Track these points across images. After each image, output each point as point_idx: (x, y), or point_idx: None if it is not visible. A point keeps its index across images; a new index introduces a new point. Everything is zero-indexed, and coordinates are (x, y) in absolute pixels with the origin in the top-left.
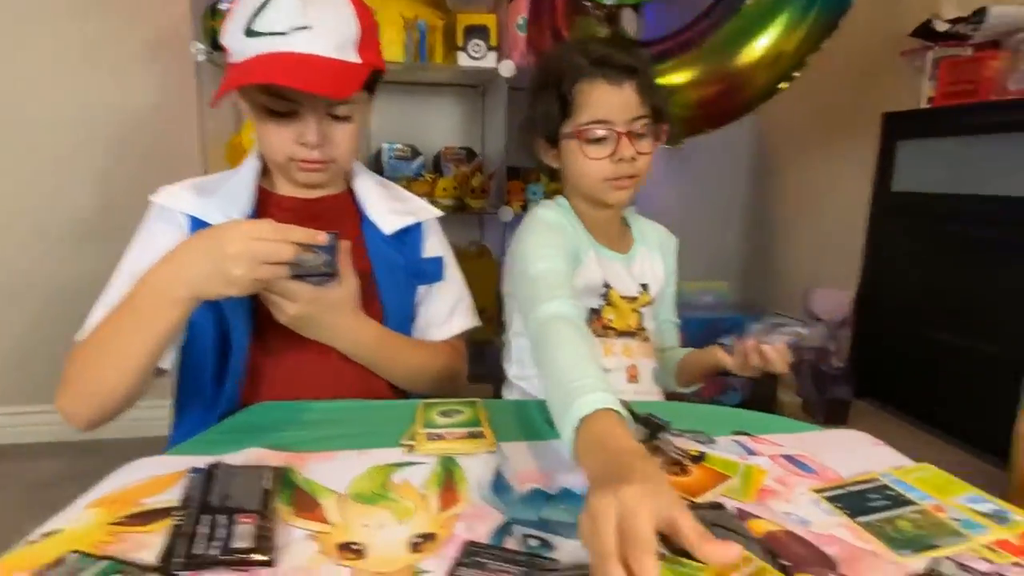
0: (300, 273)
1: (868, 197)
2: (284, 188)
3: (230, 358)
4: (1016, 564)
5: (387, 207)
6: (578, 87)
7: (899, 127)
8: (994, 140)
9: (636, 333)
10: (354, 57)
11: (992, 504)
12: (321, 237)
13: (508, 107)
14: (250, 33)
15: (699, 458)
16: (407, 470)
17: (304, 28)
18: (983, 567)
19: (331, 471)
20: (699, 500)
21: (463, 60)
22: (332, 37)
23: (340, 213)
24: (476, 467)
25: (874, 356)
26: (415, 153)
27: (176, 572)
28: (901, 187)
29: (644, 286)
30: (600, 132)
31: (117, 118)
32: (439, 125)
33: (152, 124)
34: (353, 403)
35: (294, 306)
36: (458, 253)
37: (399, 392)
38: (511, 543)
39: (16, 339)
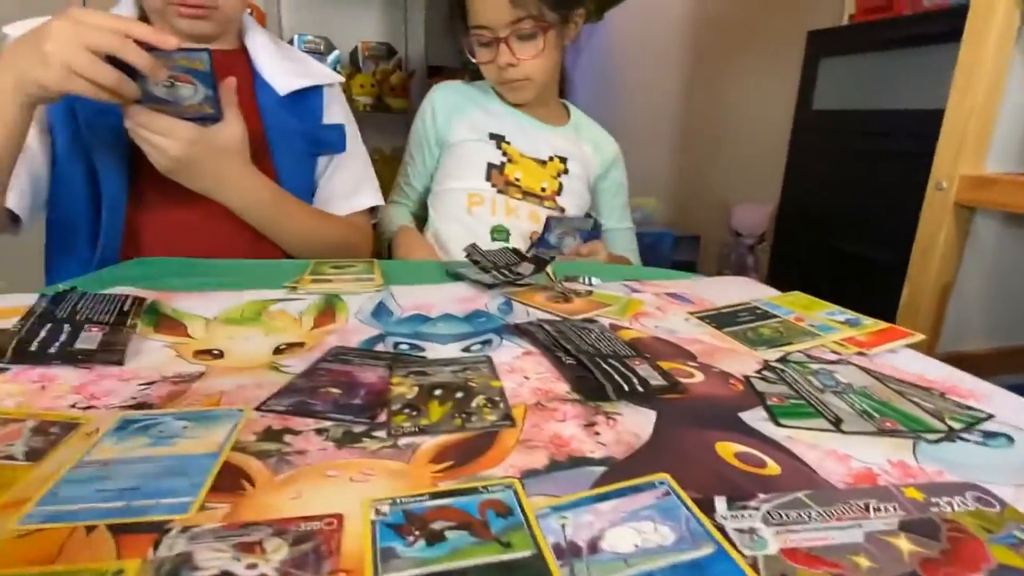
0: (180, 114)
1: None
2: None
3: (103, 215)
4: (860, 353)
5: (283, 67)
6: None
7: (822, 45)
8: (909, 54)
9: (546, 198)
10: None
11: (848, 315)
12: (171, 41)
13: (428, 3)
14: None
15: (586, 294)
16: (285, 303)
17: None
18: (829, 356)
19: (203, 304)
20: (574, 317)
21: None
22: None
23: (229, 71)
24: (359, 300)
25: (790, 269)
26: (329, 47)
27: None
28: (822, 105)
29: (563, 159)
30: (484, 37)
31: None
32: (357, 18)
33: None
34: (241, 261)
35: (175, 146)
36: (376, 156)
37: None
38: (380, 348)
39: None
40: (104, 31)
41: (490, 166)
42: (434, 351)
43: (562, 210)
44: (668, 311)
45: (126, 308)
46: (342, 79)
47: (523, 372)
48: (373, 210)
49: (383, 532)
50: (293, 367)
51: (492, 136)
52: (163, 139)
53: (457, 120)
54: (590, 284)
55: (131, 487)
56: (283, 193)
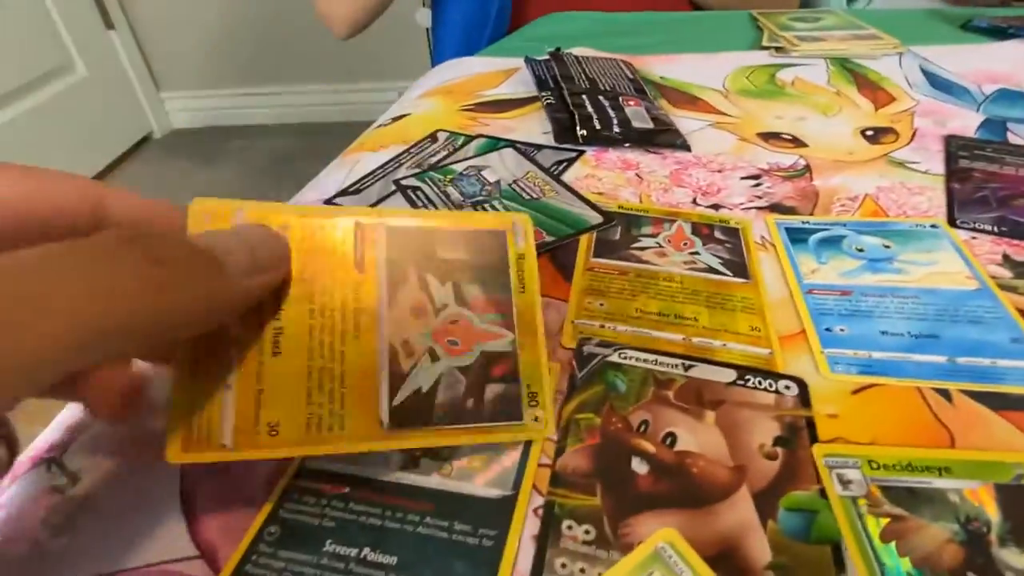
0: None
1: None
2: None
3: None
4: None
5: None
6: None
7: None
8: None
9: None
10: None
11: None
12: None
13: None
14: None
15: None
16: (791, 70)
17: None
18: None
19: (687, 71)
20: None
21: None
22: None
23: None
24: (889, 67)
25: None
26: None
27: (576, 146)
28: None
29: None
30: None
31: None
32: None
33: None
34: (668, 13)
35: None
36: None
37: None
38: (1018, 139)
39: (226, 23)
40: None
41: None
42: None
43: None
44: None
45: (631, 75)
46: None
47: None
48: None
49: None
50: (916, 163)
51: None
52: None
53: None
54: None
55: (925, 334)
56: None
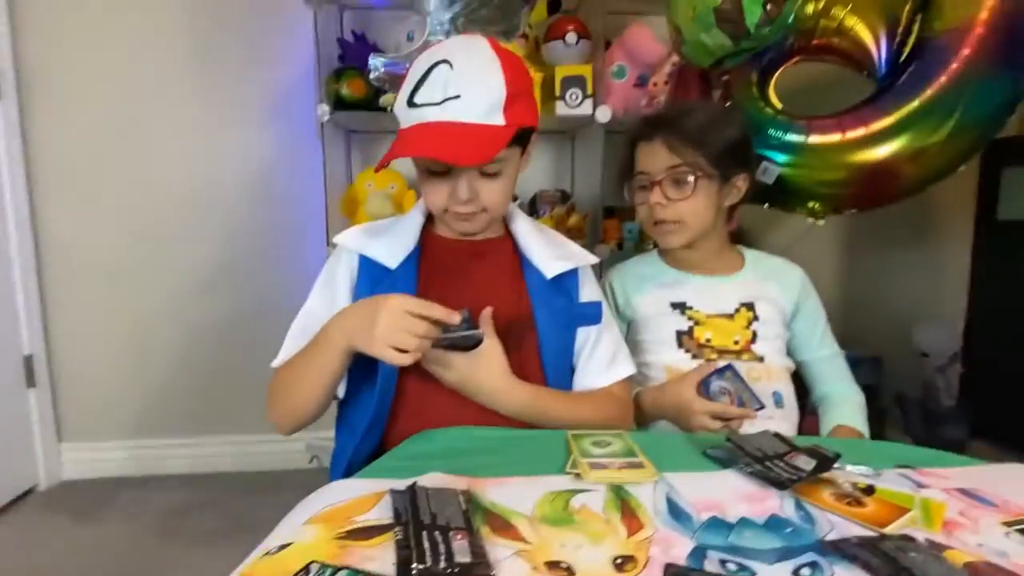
0: (449, 342)
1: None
2: (445, 231)
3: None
4: None
5: (548, 252)
6: (635, 148)
7: (1004, 155)
8: None
9: (743, 351)
10: (499, 120)
11: None
12: (455, 317)
13: (605, 150)
14: (411, 104)
15: (869, 490)
16: (581, 496)
17: (455, 98)
18: None
19: (510, 495)
20: (887, 532)
21: (561, 109)
22: (479, 103)
23: (499, 255)
24: (646, 494)
25: (988, 393)
26: (514, 197)
27: None
28: (1008, 215)
29: (749, 305)
30: (643, 181)
31: (245, 174)
32: (532, 170)
33: (278, 178)
34: (509, 431)
35: (449, 373)
36: None
37: None
38: (710, 566)
39: (151, 379)
40: (414, 320)
41: (679, 334)
42: (763, 572)
43: (761, 359)
44: (976, 519)
45: (464, 507)
46: (597, 260)
47: None
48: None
49: None
50: None
51: (674, 306)
52: (444, 370)
53: (637, 299)
54: (867, 476)
55: None
56: (542, 394)
